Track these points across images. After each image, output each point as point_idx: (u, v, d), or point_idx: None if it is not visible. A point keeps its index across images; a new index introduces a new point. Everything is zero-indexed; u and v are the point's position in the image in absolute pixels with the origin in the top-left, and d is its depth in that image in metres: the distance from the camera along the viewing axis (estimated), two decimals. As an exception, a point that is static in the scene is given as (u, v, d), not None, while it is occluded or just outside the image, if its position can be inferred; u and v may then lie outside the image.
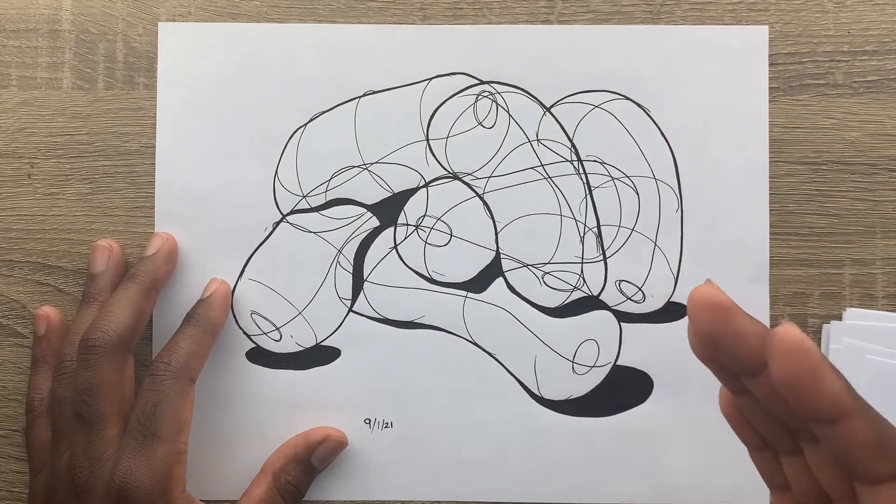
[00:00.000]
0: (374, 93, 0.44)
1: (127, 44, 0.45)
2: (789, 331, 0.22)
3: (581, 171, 0.44)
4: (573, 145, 0.44)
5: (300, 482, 0.42)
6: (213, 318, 0.42)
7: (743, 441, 0.30)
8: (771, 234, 0.44)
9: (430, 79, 0.44)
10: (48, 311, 0.43)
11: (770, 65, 0.44)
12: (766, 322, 0.43)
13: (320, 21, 0.45)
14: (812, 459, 0.26)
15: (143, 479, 0.37)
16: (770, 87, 0.44)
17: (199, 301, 0.43)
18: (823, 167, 0.44)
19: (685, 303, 0.44)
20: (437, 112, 0.44)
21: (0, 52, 0.45)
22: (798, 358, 0.22)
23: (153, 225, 0.44)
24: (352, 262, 0.44)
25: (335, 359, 0.44)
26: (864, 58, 0.44)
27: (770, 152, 0.44)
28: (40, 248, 0.45)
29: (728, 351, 0.25)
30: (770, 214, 0.44)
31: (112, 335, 0.39)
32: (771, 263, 0.44)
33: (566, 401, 0.44)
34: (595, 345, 0.44)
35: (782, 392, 0.23)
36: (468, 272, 0.44)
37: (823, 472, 0.26)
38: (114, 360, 0.39)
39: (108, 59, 0.45)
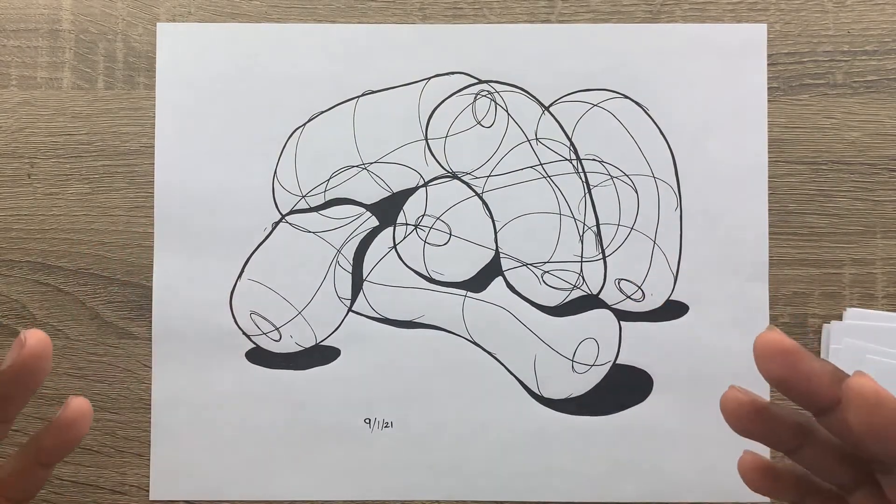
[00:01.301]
0: (373, 92, 0.44)
1: (127, 44, 0.45)
2: (865, 384, 0.23)
3: (580, 169, 0.44)
4: (572, 144, 0.44)
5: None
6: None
7: (783, 500, 0.30)
8: (771, 233, 0.44)
9: (429, 78, 0.44)
10: None
11: (770, 64, 0.44)
12: (766, 322, 0.43)
13: (320, 21, 0.45)
14: (892, 492, 0.26)
15: None
16: (770, 87, 0.44)
17: None
18: (823, 167, 0.44)
19: (685, 301, 0.44)
20: (436, 111, 0.44)
21: (0, 52, 0.45)
22: (875, 411, 0.23)
23: (153, 225, 0.44)
24: (351, 262, 0.44)
25: (335, 359, 0.44)
26: (864, 58, 0.44)
27: (770, 152, 0.44)
28: (40, 248, 0.45)
29: (800, 392, 0.26)
30: (770, 214, 0.44)
31: None
32: (771, 263, 0.44)
33: (566, 400, 0.44)
34: (595, 343, 0.44)
35: (862, 440, 0.24)
36: (467, 271, 0.44)
37: None
38: None
39: (108, 59, 0.45)
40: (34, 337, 0.29)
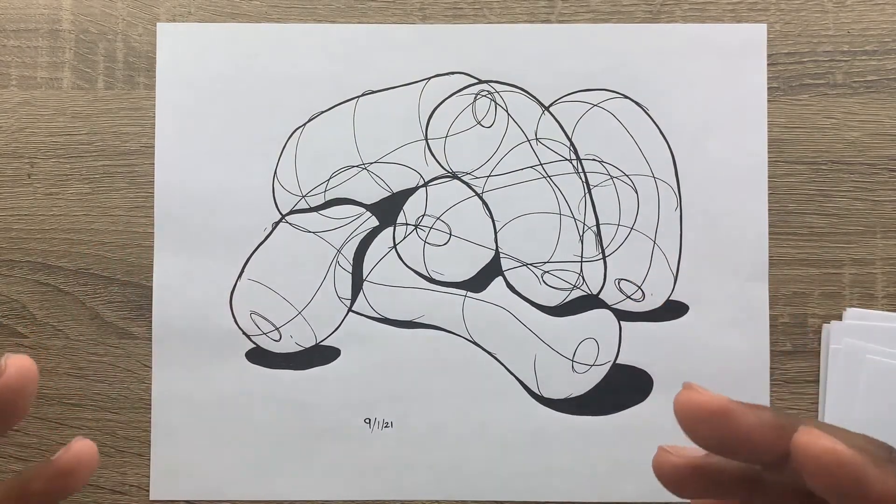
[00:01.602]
0: (373, 92, 0.44)
1: (127, 44, 0.45)
2: (816, 443, 0.20)
3: (580, 169, 0.44)
4: (572, 144, 0.44)
5: None
6: None
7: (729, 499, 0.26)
8: (771, 233, 0.44)
9: (429, 78, 0.44)
10: None
11: (770, 64, 0.44)
12: (766, 322, 0.43)
13: (320, 21, 0.45)
14: None
15: None
16: (770, 87, 0.44)
17: None
18: (823, 167, 0.44)
19: (685, 301, 0.44)
20: (436, 111, 0.44)
21: (0, 52, 0.45)
22: (837, 472, 0.20)
23: (153, 225, 0.44)
24: (351, 262, 0.44)
25: (335, 359, 0.44)
26: (864, 58, 0.44)
27: (770, 152, 0.44)
28: (40, 248, 0.45)
29: (741, 453, 0.22)
30: (770, 214, 0.44)
31: None
32: (771, 263, 0.44)
33: (566, 399, 0.44)
34: (595, 343, 0.44)
35: (823, 496, 0.20)
36: (467, 271, 0.44)
37: None
38: None
39: (108, 59, 0.45)
40: (15, 365, 0.23)
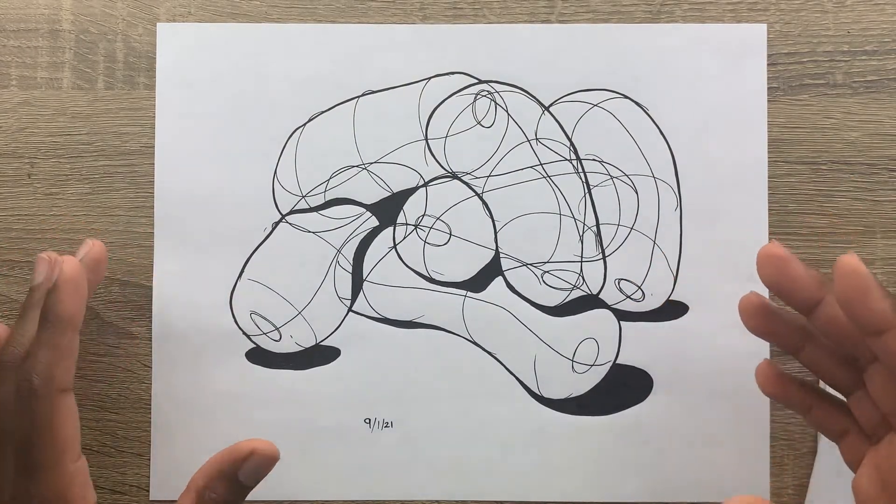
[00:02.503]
0: (373, 92, 0.44)
1: (127, 44, 0.45)
2: (848, 258, 0.30)
3: (580, 169, 0.44)
4: (572, 144, 0.44)
5: (227, 500, 0.36)
6: (63, 311, 0.35)
7: (792, 407, 0.37)
8: (771, 233, 0.44)
9: (429, 78, 0.44)
10: None
11: (769, 64, 0.44)
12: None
13: (320, 21, 0.45)
14: (873, 386, 0.32)
15: None
16: (769, 87, 0.44)
17: (48, 291, 0.36)
18: (823, 167, 0.44)
19: (685, 301, 0.44)
20: (436, 111, 0.44)
21: (0, 52, 0.45)
22: (852, 279, 0.29)
23: (153, 225, 0.44)
24: (351, 262, 0.44)
25: (335, 359, 0.44)
26: (864, 58, 0.44)
27: (769, 152, 0.44)
28: (40, 248, 0.45)
29: (789, 292, 0.33)
30: (770, 214, 0.44)
31: (24, 352, 0.35)
32: (771, 263, 0.44)
33: (566, 399, 0.44)
34: (595, 343, 0.44)
35: (842, 309, 0.30)
36: (467, 271, 0.44)
37: (883, 395, 0.32)
38: None
39: (108, 59, 0.45)
40: (97, 243, 0.41)
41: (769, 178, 0.44)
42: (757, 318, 0.35)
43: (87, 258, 0.40)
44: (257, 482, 0.37)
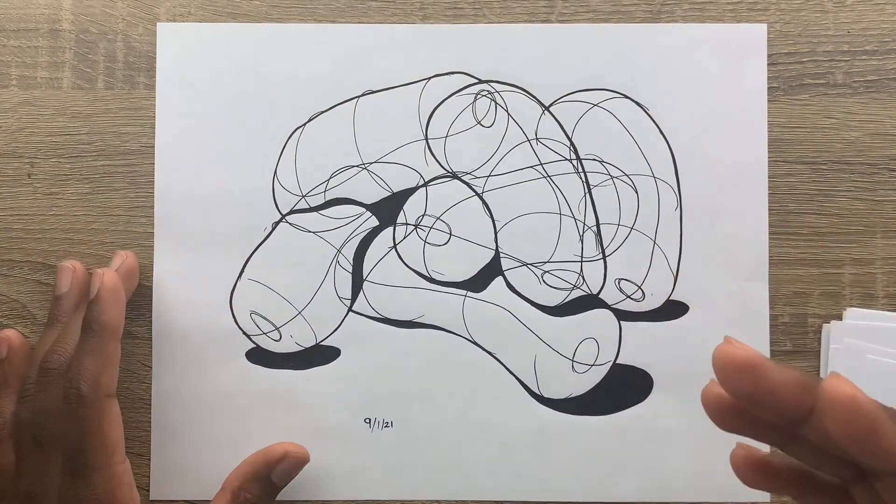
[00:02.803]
0: (373, 92, 0.44)
1: (127, 44, 0.45)
2: (838, 384, 0.21)
3: (580, 169, 0.44)
4: (572, 144, 0.44)
5: (260, 500, 0.41)
6: (106, 320, 0.38)
7: (779, 493, 0.29)
8: (771, 233, 0.44)
9: (429, 78, 0.44)
10: (9, 333, 0.42)
11: (770, 64, 0.44)
12: (766, 321, 0.43)
13: (320, 21, 0.45)
14: (889, 494, 0.24)
15: None
16: (769, 87, 0.44)
17: (90, 302, 0.39)
18: (823, 167, 0.44)
19: (684, 301, 0.44)
20: (436, 111, 0.44)
21: (0, 52, 0.45)
22: (853, 419, 0.21)
23: (153, 225, 0.44)
24: (351, 262, 0.44)
25: (335, 358, 0.44)
26: (864, 58, 0.44)
27: (770, 152, 0.44)
28: (40, 248, 0.45)
29: (768, 406, 0.23)
30: (770, 214, 0.44)
31: (69, 359, 0.38)
32: (771, 263, 0.44)
33: (566, 399, 0.44)
34: (595, 343, 0.44)
35: (844, 448, 0.22)
36: (468, 271, 0.44)
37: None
38: None
39: (108, 59, 0.45)
40: (130, 255, 0.42)
41: (769, 177, 0.44)
42: (729, 417, 0.26)
43: (122, 269, 0.42)
44: (288, 482, 0.41)
